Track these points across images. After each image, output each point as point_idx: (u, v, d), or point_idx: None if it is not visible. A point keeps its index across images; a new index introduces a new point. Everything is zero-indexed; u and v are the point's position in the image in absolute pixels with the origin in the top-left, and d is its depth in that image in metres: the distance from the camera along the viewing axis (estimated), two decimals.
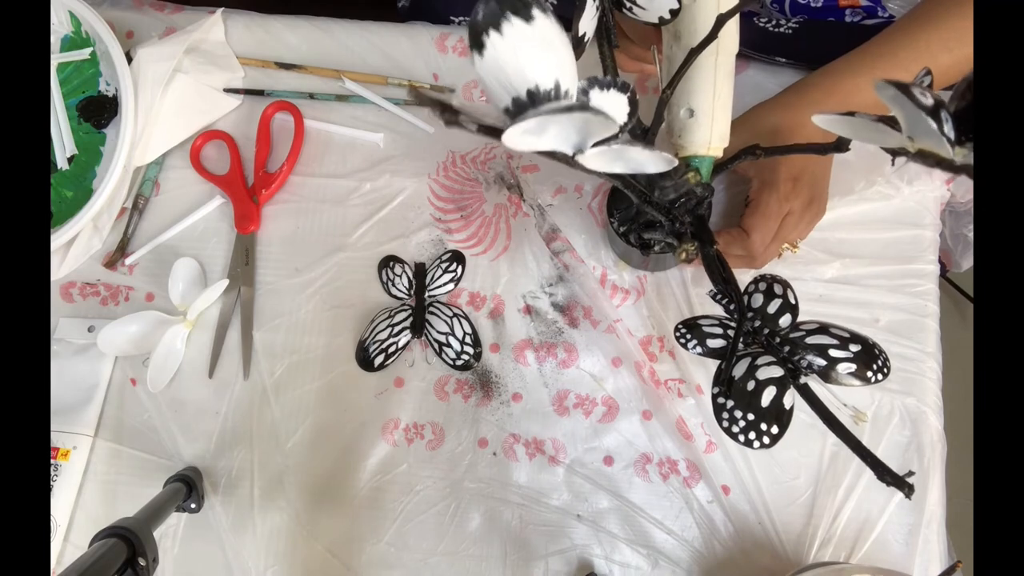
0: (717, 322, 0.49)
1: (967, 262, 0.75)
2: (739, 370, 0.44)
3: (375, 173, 0.66)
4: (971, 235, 0.71)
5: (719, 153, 0.47)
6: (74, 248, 0.65)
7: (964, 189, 0.64)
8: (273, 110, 0.68)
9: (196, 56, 0.67)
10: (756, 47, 0.65)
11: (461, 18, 0.73)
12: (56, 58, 0.67)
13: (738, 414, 0.43)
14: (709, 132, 0.45)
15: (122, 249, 0.66)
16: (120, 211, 0.66)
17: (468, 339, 0.61)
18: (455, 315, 0.62)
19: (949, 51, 0.49)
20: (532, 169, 0.65)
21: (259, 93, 0.69)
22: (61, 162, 0.66)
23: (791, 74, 0.64)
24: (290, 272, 0.65)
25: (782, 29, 0.63)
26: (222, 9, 0.70)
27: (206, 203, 0.67)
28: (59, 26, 0.68)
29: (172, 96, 0.65)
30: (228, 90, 0.69)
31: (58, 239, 0.62)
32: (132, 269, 0.66)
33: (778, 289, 0.48)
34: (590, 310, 0.62)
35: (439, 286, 0.63)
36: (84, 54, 0.67)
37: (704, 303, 0.60)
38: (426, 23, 0.70)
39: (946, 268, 0.78)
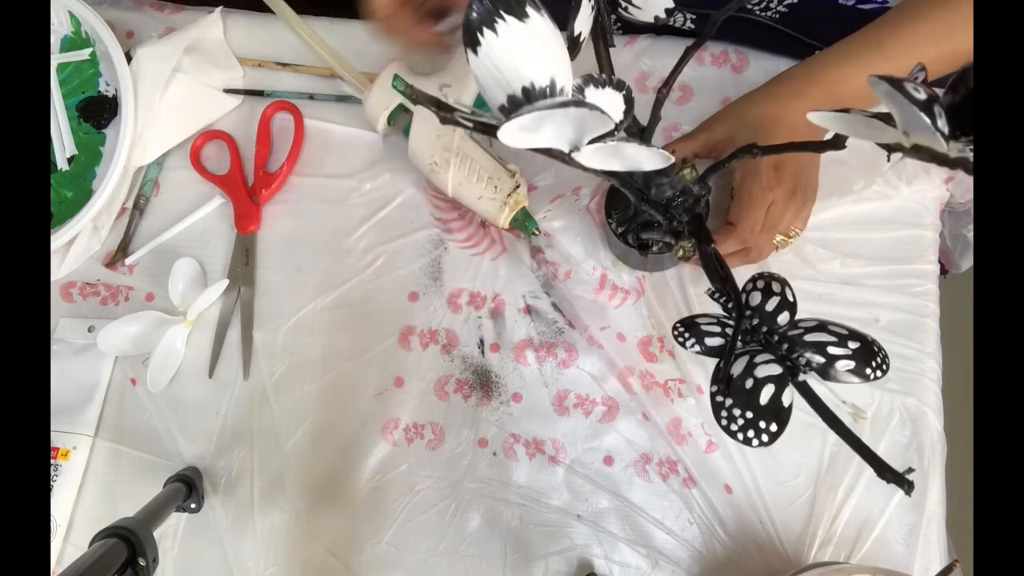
0: (715, 320, 0.49)
1: (966, 263, 0.75)
2: (737, 368, 0.44)
3: (375, 173, 0.67)
4: (970, 235, 0.71)
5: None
6: (74, 248, 0.65)
7: (963, 189, 0.64)
8: (273, 110, 0.68)
9: (195, 56, 0.67)
10: (743, 31, 0.65)
11: None
12: (56, 58, 0.67)
13: (736, 412, 0.43)
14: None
15: (123, 249, 0.66)
16: (120, 211, 0.66)
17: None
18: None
19: (935, 44, 0.49)
20: None
21: (259, 93, 0.69)
22: (61, 162, 0.66)
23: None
24: (290, 272, 0.65)
25: (770, 12, 0.63)
26: (221, 8, 0.70)
27: (206, 203, 0.67)
28: (59, 26, 0.68)
29: (172, 96, 0.66)
30: (228, 90, 0.69)
31: (58, 239, 0.62)
32: (132, 269, 0.66)
33: (776, 287, 0.48)
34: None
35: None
36: (84, 54, 0.67)
37: (703, 302, 0.60)
38: None
39: (945, 269, 0.78)
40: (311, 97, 0.68)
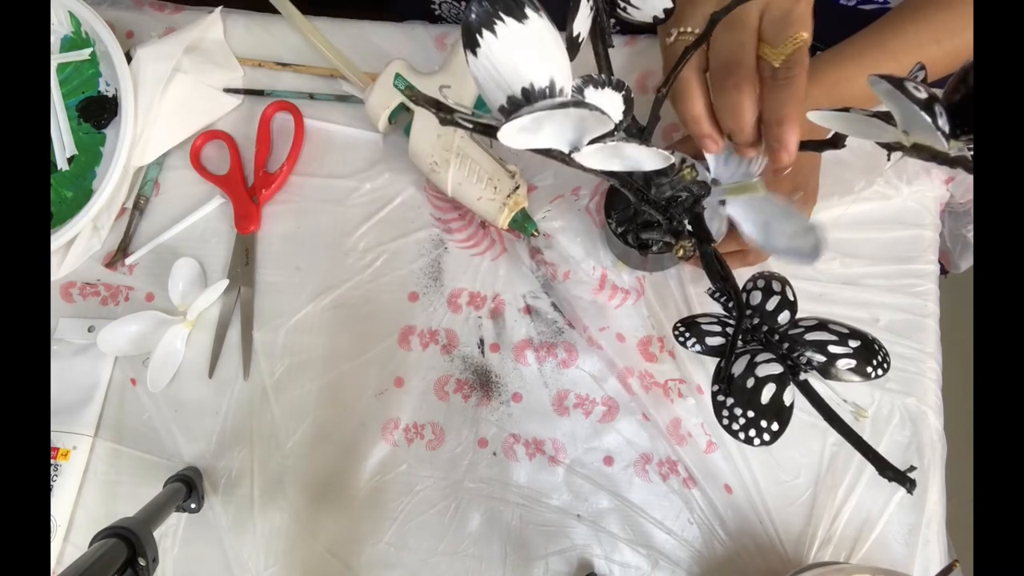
0: (716, 320, 0.49)
1: (966, 263, 0.75)
2: (738, 368, 0.44)
3: (375, 173, 0.67)
4: (970, 236, 0.71)
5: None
6: (74, 248, 0.65)
7: (963, 189, 0.64)
8: (273, 110, 0.68)
9: (195, 55, 0.67)
10: None
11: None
12: (56, 58, 0.67)
13: (738, 411, 0.43)
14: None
15: (123, 249, 0.66)
16: (120, 211, 0.66)
17: None
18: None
19: (938, 43, 0.49)
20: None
21: (259, 93, 0.69)
22: (61, 162, 0.66)
23: None
24: (290, 272, 0.65)
25: None
26: (221, 8, 0.70)
27: (206, 203, 0.67)
28: (59, 26, 0.68)
29: (172, 96, 0.65)
30: (228, 90, 0.69)
31: (58, 239, 0.62)
32: (132, 269, 0.66)
33: (776, 286, 0.48)
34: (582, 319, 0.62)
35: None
36: (84, 54, 0.67)
37: (703, 302, 0.60)
38: (425, 22, 0.70)
39: (945, 269, 0.78)
40: (311, 97, 0.68)
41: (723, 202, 0.46)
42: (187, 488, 0.58)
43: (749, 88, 0.43)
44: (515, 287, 0.63)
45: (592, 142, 0.30)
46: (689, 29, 0.46)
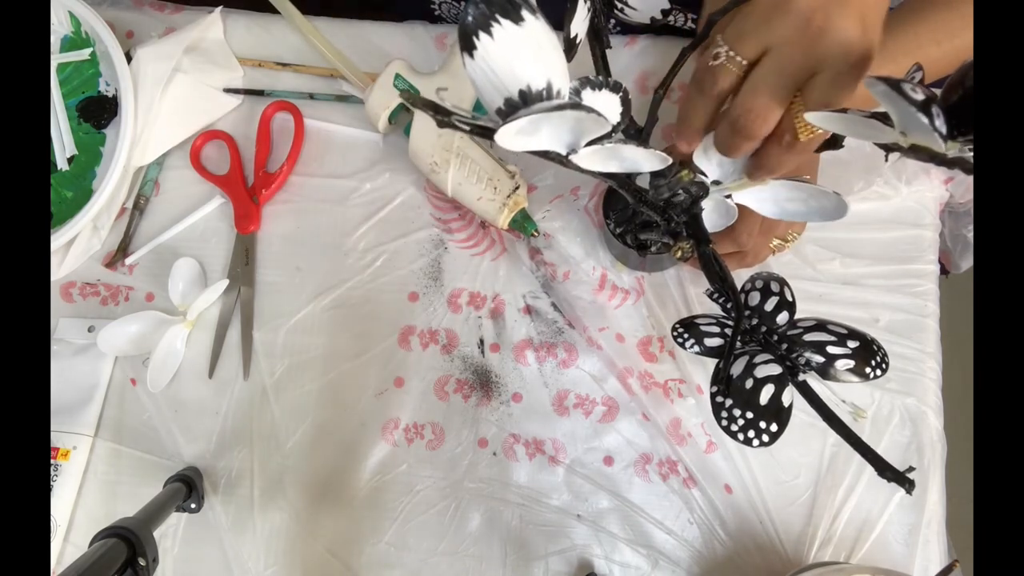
0: (714, 321, 0.49)
1: (966, 263, 0.75)
2: (737, 368, 0.44)
3: (375, 173, 0.67)
4: (970, 236, 0.71)
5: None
6: (74, 248, 0.65)
7: (963, 190, 0.64)
8: (273, 110, 0.68)
9: (195, 55, 0.67)
10: None
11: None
12: (56, 58, 0.67)
13: (737, 412, 0.43)
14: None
15: (123, 249, 0.66)
16: (120, 211, 0.66)
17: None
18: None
19: (938, 44, 0.49)
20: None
21: (259, 93, 0.69)
22: (61, 162, 0.66)
23: None
24: (290, 272, 0.65)
25: None
26: (221, 8, 0.70)
27: (206, 203, 0.67)
28: (59, 26, 0.68)
29: (172, 96, 0.66)
30: (228, 90, 0.69)
31: (58, 239, 0.62)
32: (132, 269, 0.66)
33: (775, 287, 0.48)
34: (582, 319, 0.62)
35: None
36: (84, 54, 0.67)
37: (703, 302, 0.60)
38: (425, 22, 0.70)
39: (945, 269, 0.78)
40: (311, 97, 0.68)
41: (728, 196, 0.45)
42: (187, 488, 0.58)
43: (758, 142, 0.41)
44: (515, 287, 0.63)
45: (590, 144, 0.30)
46: (739, 58, 0.41)
